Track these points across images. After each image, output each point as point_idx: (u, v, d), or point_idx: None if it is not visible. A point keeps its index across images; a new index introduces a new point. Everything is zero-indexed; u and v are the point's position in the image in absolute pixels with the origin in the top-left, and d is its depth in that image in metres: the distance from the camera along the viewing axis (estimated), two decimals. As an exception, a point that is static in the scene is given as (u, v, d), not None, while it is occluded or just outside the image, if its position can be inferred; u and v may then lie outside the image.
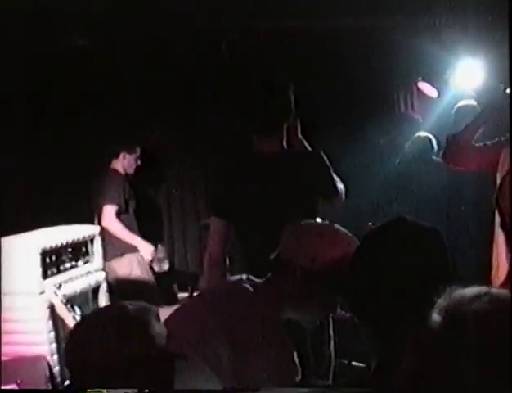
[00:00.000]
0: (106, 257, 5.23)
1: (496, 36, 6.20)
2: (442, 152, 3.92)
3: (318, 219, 3.41)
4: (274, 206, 3.23)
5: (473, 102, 5.74)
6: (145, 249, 5.87)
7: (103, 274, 4.92)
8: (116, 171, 6.01)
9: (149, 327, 1.89)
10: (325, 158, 3.41)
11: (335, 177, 3.43)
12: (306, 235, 2.41)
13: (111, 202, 5.76)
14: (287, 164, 3.36)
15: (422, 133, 6.27)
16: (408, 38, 6.66)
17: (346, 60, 6.47)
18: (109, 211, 5.73)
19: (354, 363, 4.92)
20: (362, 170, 6.25)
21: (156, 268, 6.04)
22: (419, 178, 6.01)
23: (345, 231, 2.40)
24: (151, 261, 5.94)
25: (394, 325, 1.73)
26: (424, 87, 6.79)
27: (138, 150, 6.10)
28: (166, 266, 6.18)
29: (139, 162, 6.13)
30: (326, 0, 5.61)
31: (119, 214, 5.79)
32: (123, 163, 6.03)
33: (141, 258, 5.87)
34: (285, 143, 3.42)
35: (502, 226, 1.82)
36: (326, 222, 2.48)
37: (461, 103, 5.85)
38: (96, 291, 4.79)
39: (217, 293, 2.48)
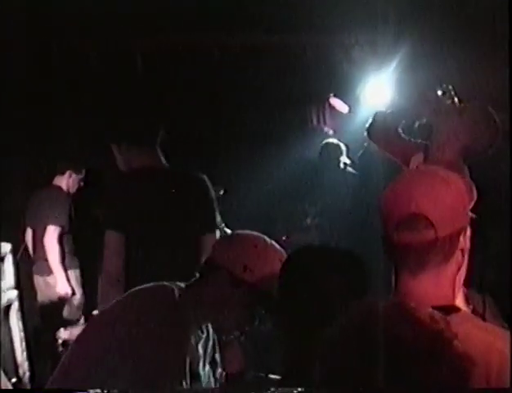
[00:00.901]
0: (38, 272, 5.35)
1: (403, 51, 6.42)
2: (367, 127, 3.94)
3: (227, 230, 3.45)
4: (167, 219, 3.25)
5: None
6: (62, 288, 5.65)
7: (15, 293, 4.79)
8: (60, 189, 5.82)
9: None
10: (209, 185, 3.51)
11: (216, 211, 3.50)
12: (241, 243, 2.43)
13: (55, 223, 5.56)
14: (170, 182, 3.41)
15: (331, 140, 6.41)
16: (320, 55, 6.80)
17: (259, 75, 6.54)
18: (51, 233, 5.53)
19: (271, 376, 4.93)
20: (275, 181, 6.34)
21: (64, 313, 5.76)
22: (329, 185, 6.12)
23: (277, 246, 2.41)
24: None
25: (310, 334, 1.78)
26: (336, 102, 6.92)
27: (83, 171, 5.95)
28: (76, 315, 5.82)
29: (82, 183, 5.95)
30: (239, 16, 5.67)
31: (61, 236, 5.61)
32: (68, 181, 5.83)
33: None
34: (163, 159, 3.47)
35: None
36: (259, 234, 2.47)
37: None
38: (7, 309, 4.66)
39: (132, 300, 2.43)
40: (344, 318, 1.42)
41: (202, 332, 2.47)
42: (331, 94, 6.93)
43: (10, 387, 4.06)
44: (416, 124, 4.63)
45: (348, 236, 5.41)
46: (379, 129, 3.77)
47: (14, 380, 4.41)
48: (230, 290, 2.33)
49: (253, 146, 6.70)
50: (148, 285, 2.47)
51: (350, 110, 6.77)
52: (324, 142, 6.44)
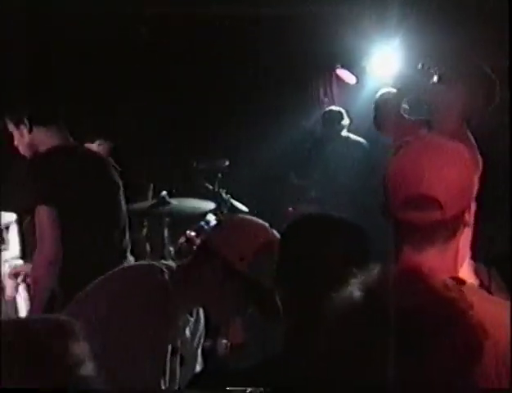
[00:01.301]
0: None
1: (410, 23, 6.35)
2: (373, 117, 3.97)
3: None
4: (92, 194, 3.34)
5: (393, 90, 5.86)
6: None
7: (20, 262, 4.80)
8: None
9: None
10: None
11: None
12: (241, 232, 2.33)
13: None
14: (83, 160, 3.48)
15: (333, 107, 6.36)
16: (325, 26, 6.74)
17: (265, 47, 6.49)
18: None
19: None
20: (280, 153, 6.33)
21: None
22: (333, 154, 6.09)
23: (278, 236, 2.26)
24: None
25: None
26: (343, 73, 6.87)
27: None
28: None
29: None
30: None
31: None
32: None
33: None
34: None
35: None
36: (263, 223, 2.36)
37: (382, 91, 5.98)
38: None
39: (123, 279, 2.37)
40: (353, 287, 1.37)
41: (191, 315, 2.43)
42: (338, 65, 6.87)
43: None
44: (418, 101, 4.60)
45: (352, 206, 5.39)
46: (382, 117, 3.78)
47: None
48: (223, 278, 2.25)
49: (260, 119, 6.67)
50: (136, 263, 2.43)
51: (357, 82, 6.72)
52: (326, 110, 6.38)
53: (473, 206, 1.73)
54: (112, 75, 6.00)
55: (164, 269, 2.32)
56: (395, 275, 1.36)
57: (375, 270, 1.38)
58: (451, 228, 1.68)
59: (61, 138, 3.46)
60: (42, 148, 3.40)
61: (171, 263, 2.43)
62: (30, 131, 3.39)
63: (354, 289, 1.34)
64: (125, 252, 3.57)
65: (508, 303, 1.67)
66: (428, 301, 1.29)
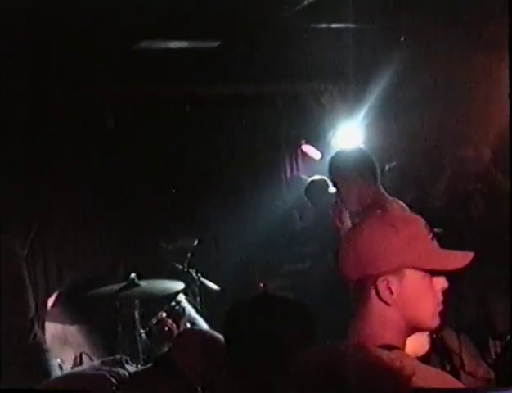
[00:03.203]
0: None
1: (373, 98, 6.51)
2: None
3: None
4: None
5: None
6: None
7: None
8: None
9: None
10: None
11: None
12: (202, 345, 2.35)
13: None
14: None
15: (316, 177, 6.30)
16: (291, 104, 6.88)
17: (232, 127, 6.58)
18: None
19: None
20: (251, 229, 6.33)
21: None
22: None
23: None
24: None
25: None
26: (308, 149, 6.96)
27: None
28: None
29: None
30: (211, 66, 5.72)
31: None
32: None
33: None
34: None
35: None
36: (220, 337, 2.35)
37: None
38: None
39: None
40: (302, 364, 1.45)
41: None
42: (303, 141, 6.97)
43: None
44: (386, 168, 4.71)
45: (324, 281, 5.38)
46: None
47: None
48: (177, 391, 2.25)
49: (229, 198, 6.69)
50: (84, 372, 2.41)
51: (322, 157, 6.81)
52: (310, 180, 6.33)
53: (394, 279, 1.72)
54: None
55: (113, 380, 2.30)
56: (345, 349, 1.45)
57: (327, 345, 1.47)
58: (358, 294, 1.75)
59: None
60: None
61: (126, 369, 2.40)
62: None
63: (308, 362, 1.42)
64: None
65: (441, 374, 1.73)
66: (376, 374, 1.39)
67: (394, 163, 6.85)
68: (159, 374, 2.31)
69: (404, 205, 3.78)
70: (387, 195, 3.88)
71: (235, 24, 4.77)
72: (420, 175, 6.68)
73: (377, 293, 1.71)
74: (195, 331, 2.66)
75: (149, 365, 2.41)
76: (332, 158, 4.08)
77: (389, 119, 6.79)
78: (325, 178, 6.14)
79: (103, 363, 2.63)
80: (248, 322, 1.95)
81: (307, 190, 6.26)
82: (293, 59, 5.48)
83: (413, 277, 1.72)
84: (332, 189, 6.12)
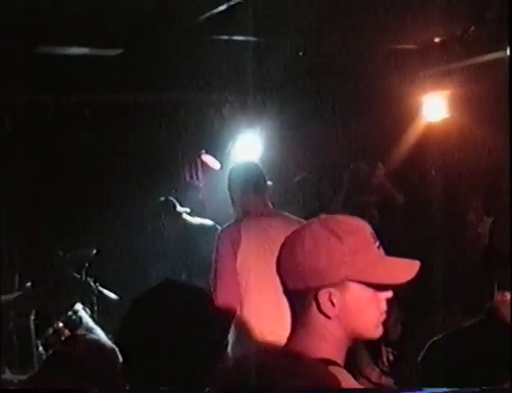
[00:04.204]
0: None
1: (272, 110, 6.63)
2: None
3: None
4: None
5: None
6: None
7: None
8: None
9: None
10: None
11: None
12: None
13: None
14: None
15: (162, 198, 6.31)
16: (192, 114, 6.92)
17: (132, 133, 6.55)
18: None
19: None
20: (148, 239, 6.31)
21: None
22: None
23: None
24: None
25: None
26: (208, 159, 7.01)
27: None
28: None
29: None
30: (110, 74, 5.68)
31: None
32: None
33: None
34: None
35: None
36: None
37: None
38: None
39: None
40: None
41: None
42: (203, 151, 7.02)
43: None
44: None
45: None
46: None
47: None
48: None
49: (125, 207, 6.64)
50: None
51: (222, 167, 6.87)
52: (160, 200, 6.32)
53: (336, 292, 1.64)
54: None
55: None
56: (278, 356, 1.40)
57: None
58: (295, 304, 1.68)
59: None
60: None
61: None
62: None
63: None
64: None
65: None
66: (305, 383, 1.35)
67: (304, 174, 7.02)
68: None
69: (294, 217, 4.11)
70: (272, 208, 4.21)
71: (137, 33, 4.77)
72: (320, 187, 6.86)
73: (318, 305, 1.63)
74: (89, 337, 2.62)
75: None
76: (230, 170, 4.35)
77: (288, 131, 6.93)
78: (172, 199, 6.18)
79: None
80: (143, 332, 1.85)
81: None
82: (194, 70, 5.51)
83: (357, 289, 1.63)
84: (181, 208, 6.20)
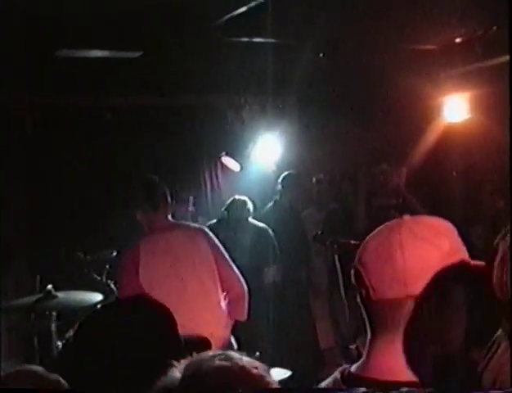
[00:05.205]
0: None
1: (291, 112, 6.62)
2: None
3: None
4: None
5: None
6: None
7: None
8: None
9: None
10: None
11: None
12: None
13: None
14: None
15: (238, 197, 6.31)
16: (212, 117, 6.93)
17: (152, 138, 6.56)
18: None
19: None
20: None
21: None
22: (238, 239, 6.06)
23: None
24: None
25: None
26: (228, 161, 7.01)
27: None
28: None
29: None
30: (131, 77, 5.70)
31: None
32: None
33: None
34: None
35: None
36: None
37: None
38: None
39: None
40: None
41: None
42: (223, 153, 7.02)
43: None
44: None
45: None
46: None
47: None
48: None
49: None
50: None
51: (241, 169, 6.87)
52: (231, 199, 6.33)
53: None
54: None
55: None
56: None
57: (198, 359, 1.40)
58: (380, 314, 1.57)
59: None
60: None
61: None
62: None
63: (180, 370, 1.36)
64: None
65: None
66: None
67: (322, 175, 7.00)
68: None
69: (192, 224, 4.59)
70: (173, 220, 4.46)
71: (157, 35, 4.77)
72: (340, 189, 6.84)
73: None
74: None
75: None
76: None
77: (307, 133, 6.93)
78: (247, 198, 6.20)
79: None
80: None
81: (227, 208, 6.28)
82: (214, 72, 5.52)
83: None
84: (250, 208, 6.22)
